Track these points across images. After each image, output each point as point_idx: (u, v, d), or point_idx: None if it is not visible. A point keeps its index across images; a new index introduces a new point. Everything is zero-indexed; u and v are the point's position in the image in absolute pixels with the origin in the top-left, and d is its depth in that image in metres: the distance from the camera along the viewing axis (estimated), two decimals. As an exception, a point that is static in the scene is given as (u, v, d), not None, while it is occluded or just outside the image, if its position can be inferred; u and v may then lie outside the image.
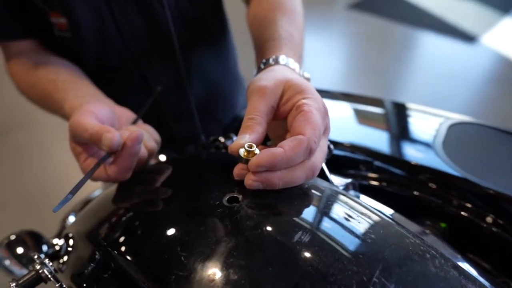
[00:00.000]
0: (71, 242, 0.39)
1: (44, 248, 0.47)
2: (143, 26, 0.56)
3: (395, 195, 0.44)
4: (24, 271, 0.46)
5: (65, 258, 0.39)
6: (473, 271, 0.28)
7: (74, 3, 0.50)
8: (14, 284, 0.30)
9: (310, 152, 0.29)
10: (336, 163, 0.45)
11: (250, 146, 0.29)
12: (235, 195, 0.29)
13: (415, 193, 0.42)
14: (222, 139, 0.50)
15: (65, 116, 0.47)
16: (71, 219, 0.52)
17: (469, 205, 0.40)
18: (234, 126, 0.55)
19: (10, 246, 0.46)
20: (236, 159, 0.30)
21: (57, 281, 0.30)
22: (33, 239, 0.49)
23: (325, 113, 0.33)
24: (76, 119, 0.38)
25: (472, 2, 2.93)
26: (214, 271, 0.23)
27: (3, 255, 0.46)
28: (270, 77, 0.35)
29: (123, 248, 0.28)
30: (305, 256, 0.24)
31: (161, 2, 0.54)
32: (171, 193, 0.32)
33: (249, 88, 0.35)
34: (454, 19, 2.65)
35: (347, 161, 0.49)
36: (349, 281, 0.22)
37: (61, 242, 0.43)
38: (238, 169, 0.30)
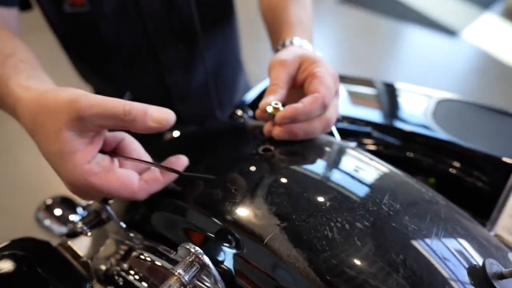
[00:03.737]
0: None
1: (79, 210, 0.53)
2: (163, 7, 0.60)
3: (390, 156, 0.51)
4: (63, 230, 0.51)
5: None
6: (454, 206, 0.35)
7: None
8: (81, 223, 0.35)
9: (324, 107, 0.36)
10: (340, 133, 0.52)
11: (276, 104, 0.35)
12: (267, 146, 0.35)
13: (408, 154, 0.50)
14: (239, 112, 0.56)
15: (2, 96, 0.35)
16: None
17: (454, 163, 0.48)
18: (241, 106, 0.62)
19: (49, 209, 0.51)
20: (255, 122, 0.36)
21: (117, 220, 0.36)
22: (67, 203, 0.54)
23: (336, 78, 0.39)
24: (100, 99, 0.27)
25: (454, -2, 3.06)
26: (260, 198, 0.29)
27: (43, 216, 0.51)
28: (289, 53, 0.41)
29: (182, 187, 0.34)
30: (330, 185, 0.30)
31: None
32: (217, 147, 0.38)
33: (271, 62, 0.41)
34: (437, 14, 2.77)
35: (349, 132, 0.56)
36: (367, 201, 0.29)
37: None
38: (267, 126, 0.37)
